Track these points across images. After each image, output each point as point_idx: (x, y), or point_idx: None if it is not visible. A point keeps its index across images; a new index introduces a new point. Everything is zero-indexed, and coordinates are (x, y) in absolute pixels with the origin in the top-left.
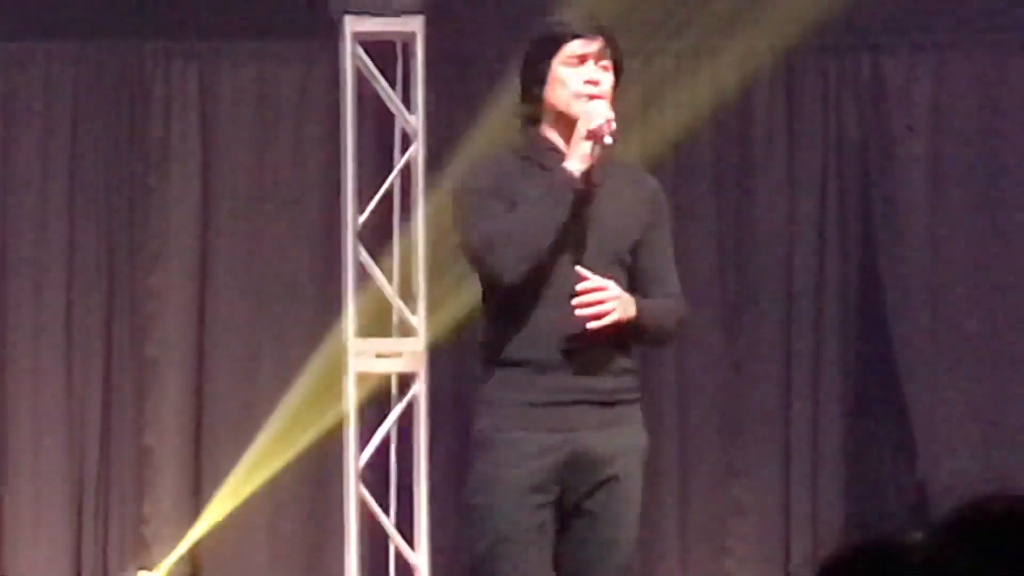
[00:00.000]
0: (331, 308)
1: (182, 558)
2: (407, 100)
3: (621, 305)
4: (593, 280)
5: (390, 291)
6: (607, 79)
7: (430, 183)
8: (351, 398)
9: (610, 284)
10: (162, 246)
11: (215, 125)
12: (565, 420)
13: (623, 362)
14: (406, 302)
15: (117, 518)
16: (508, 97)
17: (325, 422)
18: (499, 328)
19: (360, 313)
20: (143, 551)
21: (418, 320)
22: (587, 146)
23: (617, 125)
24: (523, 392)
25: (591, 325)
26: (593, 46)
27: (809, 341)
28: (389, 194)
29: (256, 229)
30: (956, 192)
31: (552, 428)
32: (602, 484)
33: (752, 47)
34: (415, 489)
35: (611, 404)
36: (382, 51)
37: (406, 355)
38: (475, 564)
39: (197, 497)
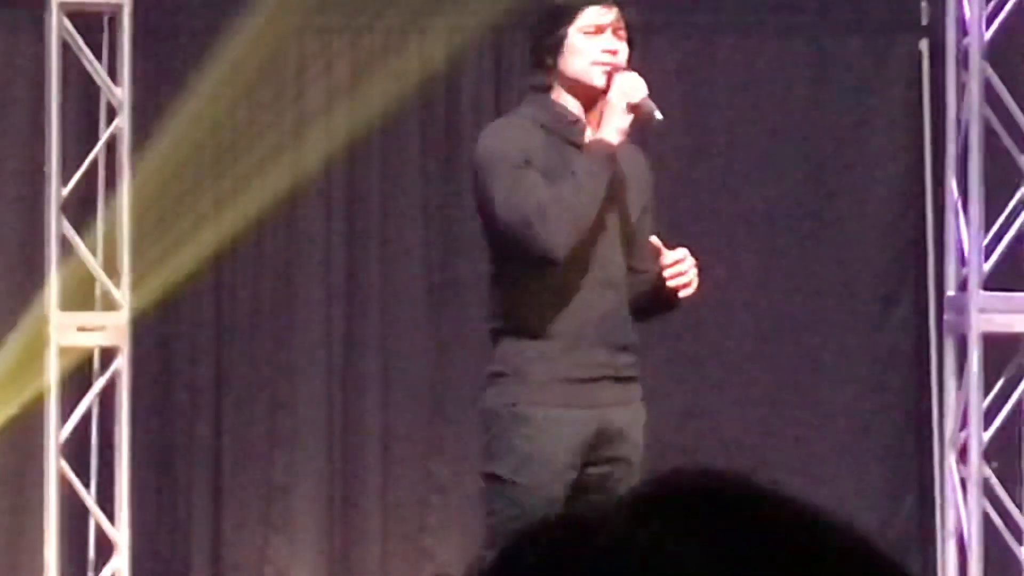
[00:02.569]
0: (33, 280)
1: None
2: (113, 72)
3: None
4: (676, 252)
5: (94, 264)
6: (624, 49)
7: (135, 156)
8: (53, 372)
9: (683, 252)
10: None
11: None
12: (594, 396)
13: (633, 337)
14: (110, 276)
15: None
16: (215, 70)
17: (26, 395)
18: (527, 300)
19: (63, 286)
20: None
21: (121, 294)
22: (627, 119)
23: None
24: (558, 367)
25: (682, 294)
26: (610, 15)
27: None
28: (94, 167)
29: None
30: (662, 167)
31: (585, 404)
32: (616, 460)
33: (460, 25)
34: (116, 464)
35: (626, 380)
36: (89, 23)
37: (109, 329)
38: None
39: None
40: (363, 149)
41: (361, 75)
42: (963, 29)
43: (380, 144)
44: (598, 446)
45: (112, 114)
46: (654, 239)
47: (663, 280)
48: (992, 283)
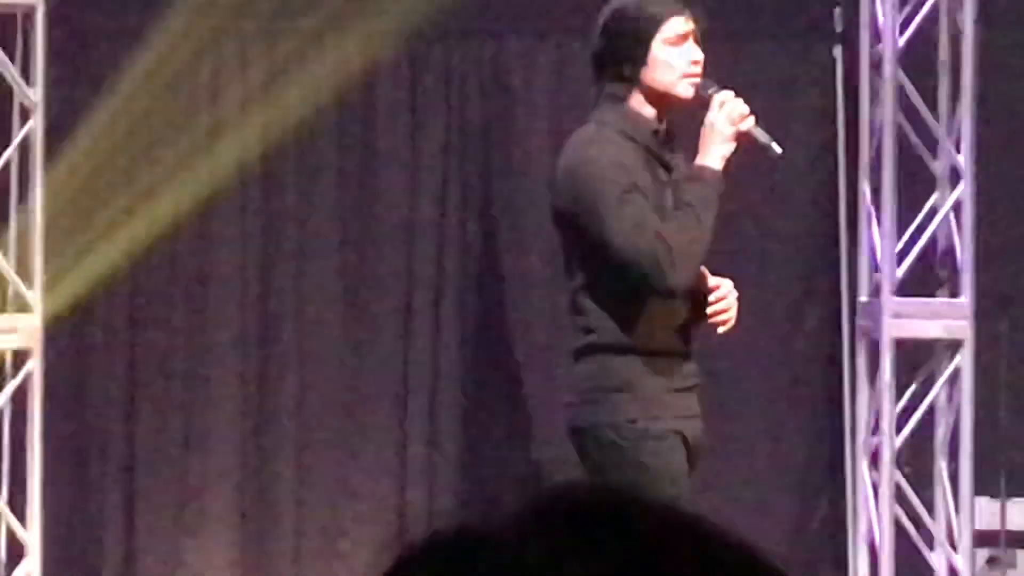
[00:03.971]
0: None
1: None
2: (26, 74)
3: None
4: (723, 282)
5: (6, 267)
6: (702, 59)
7: (49, 158)
8: None
9: (729, 284)
10: None
11: None
12: (689, 406)
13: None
14: (23, 278)
15: None
16: (130, 72)
17: None
18: (630, 314)
19: None
20: None
21: (34, 296)
22: (731, 146)
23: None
24: (667, 379)
25: (721, 330)
26: (691, 24)
27: (428, 324)
28: (7, 168)
29: None
30: None
31: (688, 414)
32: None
33: (377, 30)
34: (28, 466)
35: (693, 388)
36: (2, 23)
37: (21, 331)
38: None
39: None
40: (279, 152)
41: (277, 78)
42: (877, 36)
43: (296, 147)
44: (692, 457)
45: (25, 115)
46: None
47: (703, 306)
48: (905, 289)
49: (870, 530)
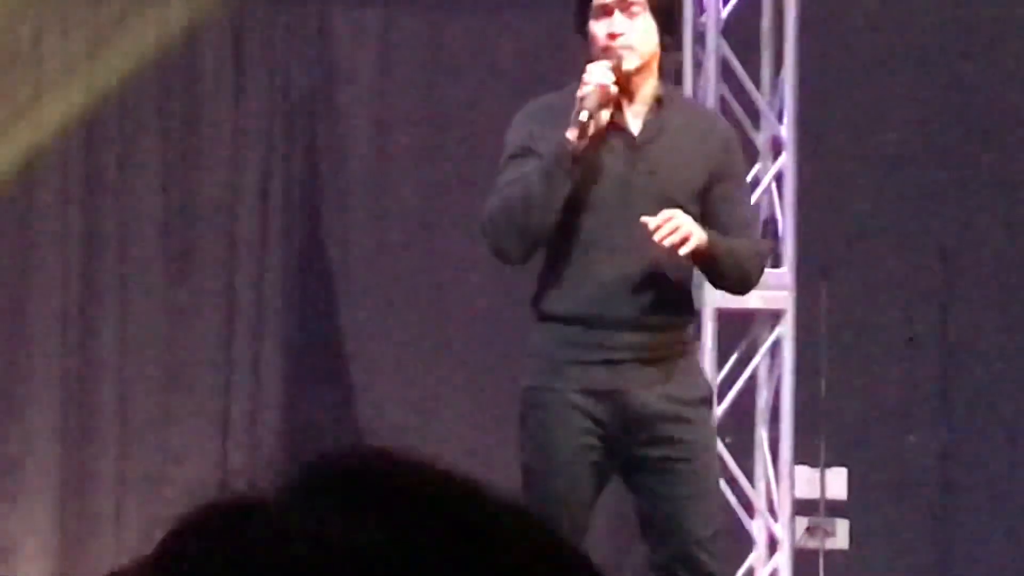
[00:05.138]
0: None
1: None
2: None
3: (696, 229)
4: (658, 216)
5: None
6: (634, 26)
7: None
8: None
9: (676, 211)
10: None
11: None
12: (611, 379)
13: (656, 314)
14: None
15: None
16: None
17: None
18: (543, 280)
19: None
20: None
21: None
22: (582, 114)
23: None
24: (576, 349)
25: (683, 251)
26: None
27: (252, 290)
28: None
29: None
30: (402, 143)
31: (602, 388)
32: (668, 441)
33: None
34: None
35: (628, 361)
36: None
37: None
38: None
39: None
40: (101, 119)
41: (99, 44)
42: (700, 7)
43: (118, 114)
44: (626, 431)
45: None
46: (643, 218)
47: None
48: None
49: None
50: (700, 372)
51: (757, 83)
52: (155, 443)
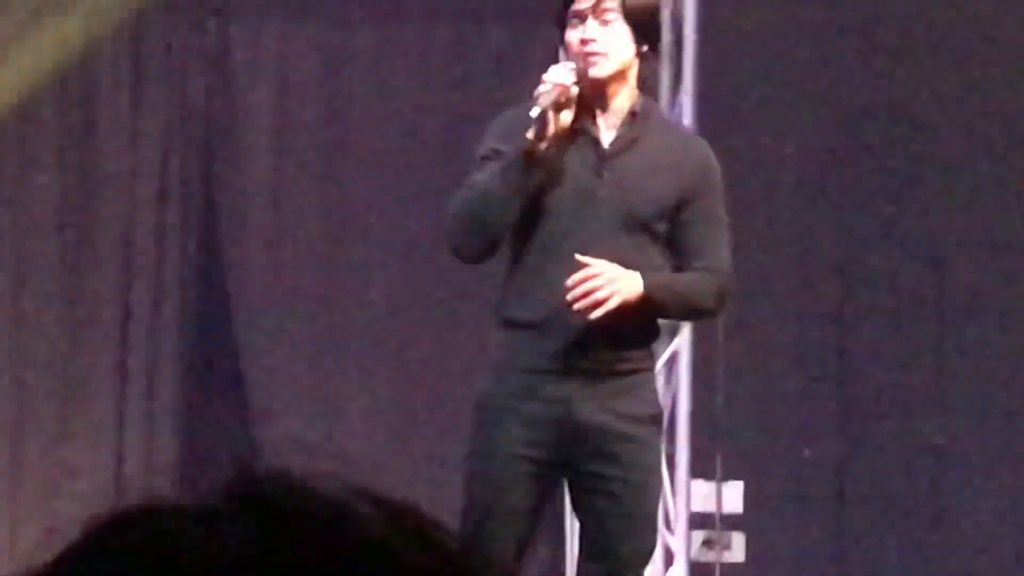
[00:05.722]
0: None
1: None
2: None
3: (625, 284)
4: (586, 270)
5: None
6: (605, 32)
7: None
8: None
9: (604, 266)
10: None
11: None
12: (560, 389)
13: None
14: None
15: None
16: None
17: None
18: (504, 287)
19: None
20: None
21: None
22: (533, 110)
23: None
24: (527, 357)
25: (594, 315)
26: (586, 1)
27: (148, 306)
28: None
29: None
30: (301, 154)
31: (547, 398)
32: (607, 457)
33: (98, 6)
34: None
35: (603, 374)
36: None
37: None
38: None
39: None
40: None
41: None
42: None
43: (15, 125)
44: (569, 443)
45: None
46: (578, 257)
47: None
48: None
49: None
50: (653, 391)
51: (656, 98)
52: (50, 458)
